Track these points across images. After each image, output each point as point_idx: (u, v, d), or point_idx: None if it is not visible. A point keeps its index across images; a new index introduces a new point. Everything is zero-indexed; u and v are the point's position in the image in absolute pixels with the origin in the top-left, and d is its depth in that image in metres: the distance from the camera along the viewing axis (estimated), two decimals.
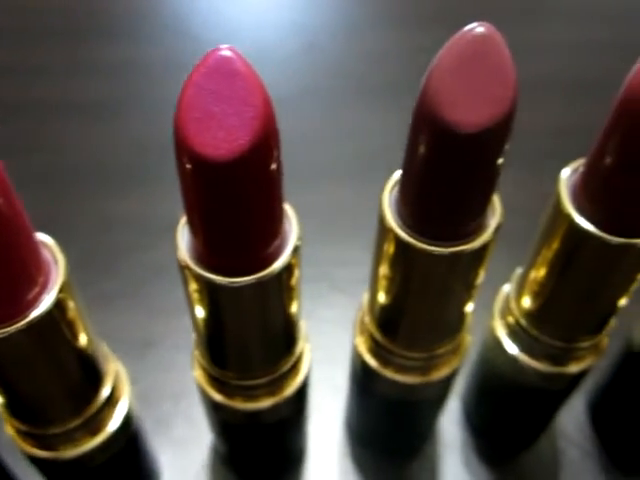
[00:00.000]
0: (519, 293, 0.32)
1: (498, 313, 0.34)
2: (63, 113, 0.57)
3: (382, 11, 0.69)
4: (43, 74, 0.60)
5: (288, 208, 0.25)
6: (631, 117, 0.22)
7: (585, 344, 0.31)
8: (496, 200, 0.25)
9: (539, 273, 0.29)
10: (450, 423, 0.41)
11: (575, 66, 0.63)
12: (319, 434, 0.41)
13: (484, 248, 0.25)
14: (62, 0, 0.67)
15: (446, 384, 0.33)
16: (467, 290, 0.27)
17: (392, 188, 0.25)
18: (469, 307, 0.29)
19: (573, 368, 0.33)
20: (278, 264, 0.24)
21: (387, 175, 0.26)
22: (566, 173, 0.27)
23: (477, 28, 0.20)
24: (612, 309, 0.30)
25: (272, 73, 0.60)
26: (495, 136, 0.21)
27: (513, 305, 0.32)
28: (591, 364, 0.33)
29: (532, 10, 0.69)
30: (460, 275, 0.26)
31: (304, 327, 0.31)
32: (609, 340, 0.33)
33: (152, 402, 0.41)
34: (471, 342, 0.33)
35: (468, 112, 0.20)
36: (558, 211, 0.26)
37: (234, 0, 0.70)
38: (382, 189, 0.25)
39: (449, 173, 0.22)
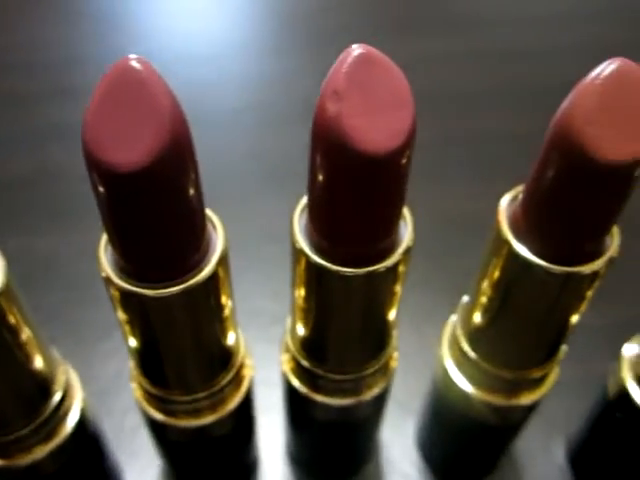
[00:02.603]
0: None
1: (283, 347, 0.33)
2: None
3: (256, 37, 0.68)
4: None
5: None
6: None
7: (372, 370, 0.31)
8: (220, 229, 0.24)
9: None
10: (273, 457, 0.40)
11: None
12: None
13: (213, 278, 0.23)
14: None
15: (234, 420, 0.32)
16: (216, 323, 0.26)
17: None
18: (230, 340, 0.28)
19: (367, 396, 0.32)
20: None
21: None
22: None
23: (130, 62, 0.19)
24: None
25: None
26: (163, 171, 0.19)
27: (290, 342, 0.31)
28: (382, 389, 0.32)
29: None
30: (191, 312, 0.25)
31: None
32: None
33: None
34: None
35: (127, 151, 0.19)
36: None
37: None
38: None
39: (131, 215, 0.20)
